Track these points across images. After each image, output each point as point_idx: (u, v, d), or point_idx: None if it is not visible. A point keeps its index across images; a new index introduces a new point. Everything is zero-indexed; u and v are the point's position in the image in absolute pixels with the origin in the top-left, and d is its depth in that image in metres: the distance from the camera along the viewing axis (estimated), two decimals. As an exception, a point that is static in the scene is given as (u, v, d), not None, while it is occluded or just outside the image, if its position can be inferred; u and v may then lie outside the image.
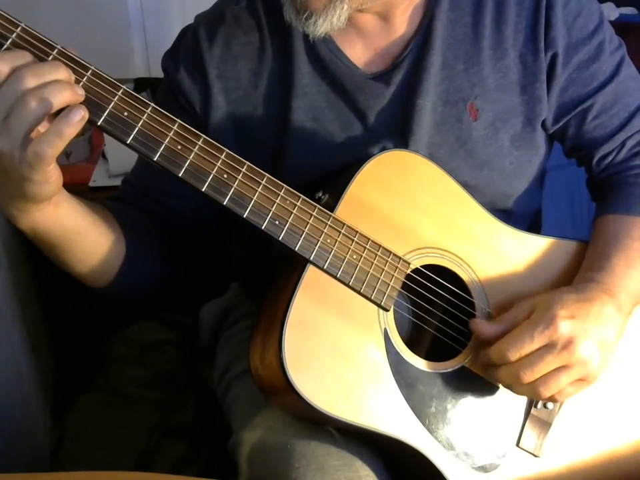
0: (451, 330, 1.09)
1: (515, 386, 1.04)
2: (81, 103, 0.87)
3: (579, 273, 1.13)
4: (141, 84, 2.04)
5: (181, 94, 1.15)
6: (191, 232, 1.20)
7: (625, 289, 1.08)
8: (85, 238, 1.03)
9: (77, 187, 1.77)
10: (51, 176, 0.88)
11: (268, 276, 1.09)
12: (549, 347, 1.00)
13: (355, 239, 1.02)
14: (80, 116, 0.84)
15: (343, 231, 1.01)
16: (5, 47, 0.84)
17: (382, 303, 1.03)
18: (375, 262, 1.03)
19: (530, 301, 1.06)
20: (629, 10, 2.64)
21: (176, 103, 1.16)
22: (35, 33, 0.85)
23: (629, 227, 1.15)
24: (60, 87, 0.84)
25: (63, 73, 0.85)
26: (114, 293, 1.13)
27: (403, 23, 1.13)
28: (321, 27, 1.01)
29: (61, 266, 1.07)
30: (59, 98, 0.83)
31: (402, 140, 1.12)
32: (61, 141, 0.84)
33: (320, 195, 1.04)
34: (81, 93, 0.86)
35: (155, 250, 1.16)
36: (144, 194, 1.17)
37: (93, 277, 1.10)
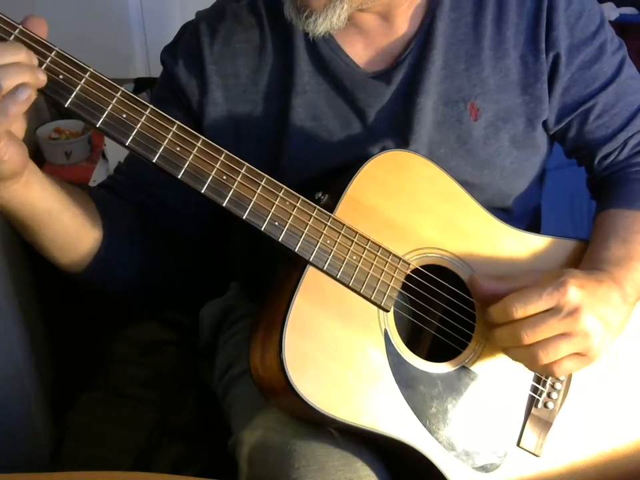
0: (451, 330, 1.09)
1: (513, 349, 1.03)
2: (79, 102, 0.87)
3: (581, 264, 1.13)
4: (141, 84, 2.04)
5: (178, 87, 1.16)
6: (180, 226, 1.20)
7: (631, 280, 1.07)
8: (57, 220, 1.00)
9: (77, 187, 1.77)
10: (4, 154, 0.84)
11: (267, 276, 1.09)
12: (554, 311, 0.99)
13: (355, 240, 1.02)
14: (27, 94, 0.82)
15: (342, 232, 1.01)
16: None
17: (382, 304, 1.02)
18: (375, 263, 1.02)
19: (537, 272, 1.06)
20: (628, 10, 2.65)
21: (171, 95, 1.17)
22: (32, 34, 0.85)
23: (631, 221, 1.15)
24: (19, 70, 0.82)
25: (22, 55, 0.83)
26: (91, 280, 1.11)
27: (404, 22, 1.13)
28: (321, 26, 1.01)
29: (37, 249, 1.05)
30: (15, 80, 0.81)
31: (402, 139, 1.13)
32: (5, 119, 0.82)
33: (319, 195, 1.04)
34: (42, 78, 0.84)
35: (137, 240, 1.14)
36: (133, 183, 1.17)
37: (67, 262, 1.07)
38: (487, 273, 1.10)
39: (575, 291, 0.99)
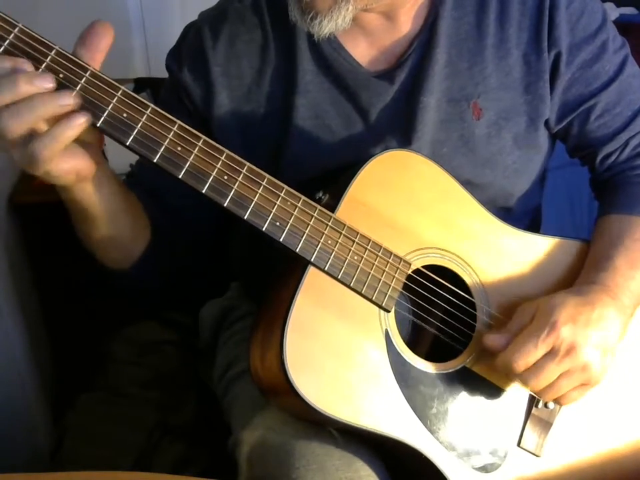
0: (452, 330, 1.09)
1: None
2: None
3: (581, 272, 1.13)
4: (141, 84, 2.04)
5: (184, 92, 1.16)
6: (192, 231, 1.20)
7: (627, 290, 1.08)
8: (120, 219, 1.04)
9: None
10: (59, 170, 0.87)
11: (268, 277, 1.09)
12: (552, 354, 1.00)
13: (356, 240, 1.01)
14: (81, 120, 0.84)
15: (343, 232, 1.01)
16: (3, 47, 0.83)
17: (383, 304, 1.02)
18: (376, 263, 1.02)
19: (532, 304, 1.06)
20: (629, 10, 2.65)
21: (178, 101, 1.17)
22: (32, 33, 0.85)
23: (632, 227, 1.15)
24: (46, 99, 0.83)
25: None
26: (132, 277, 1.14)
27: (407, 21, 1.13)
28: (326, 27, 1.02)
29: (88, 244, 1.08)
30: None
31: (405, 137, 1.13)
32: (56, 144, 0.84)
33: (320, 195, 1.04)
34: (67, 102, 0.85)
35: (170, 246, 1.17)
36: (146, 190, 1.17)
37: (116, 257, 1.12)
38: (487, 272, 1.10)
39: (567, 329, 1.00)
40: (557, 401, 1.05)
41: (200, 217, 1.18)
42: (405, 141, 1.12)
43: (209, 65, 1.13)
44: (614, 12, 2.56)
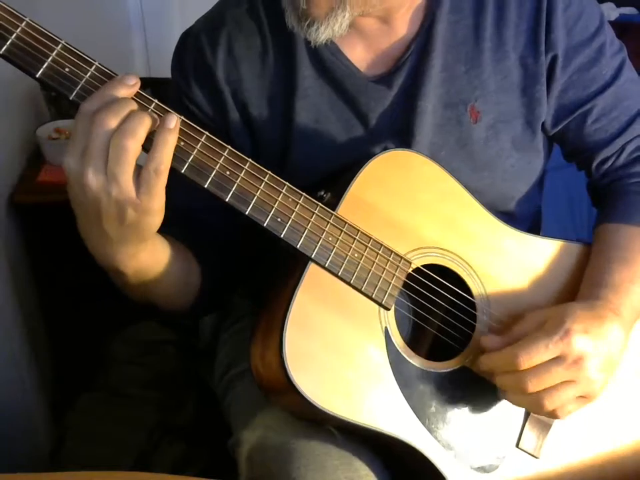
0: (451, 330, 1.09)
1: (516, 395, 1.02)
2: (85, 95, 0.87)
3: (582, 285, 1.12)
4: (141, 84, 2.04)
5: (198, 109, 1.15)
6: (225, 242, 1.20)
7: (629, 306, 1.07)
8: (169, 273, 1.04)
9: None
10: (159, 202, 0.89)
11: (268, 276, 1.09)
12: (559, 360, 0.98)
13: (357, 238, 1.02)
14: (175, 119, 0.87)
15: (344, 230, 1.01)
16: (10, 41, 0.84)
17: (383, 302, 1.02)
18: (377, 261, 1.03)
19: (539, 313, 1.05)
20: (628, 10, 2.65)
21: (193, 117, 1.15)
22: (39, 27, 0.85)
23: (632, 238, 1.14)
24: (138, 117, 0.86)
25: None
26: (199, 313, 1.19)
27: (403, 24, 1.13)
28: (323, 34, 1.02)
29: (148, 302, 1.10)
30: (142, 128, 0.85)
31: (403, 142, 1.13)
32: (169, 149, 0.86)
33: (322, 193, 1.04)
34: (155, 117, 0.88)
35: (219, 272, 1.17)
36: (183, 215, 1.14)
37: (176, 305, 1.14)
38: (488, 272, 1.10)
39: (579, 339, 0.98)
40: (554, 414, 1.02)
41: (231, 230, 1.18)
42: (404, 145, 1.12)
43: (214, 74, 1.13)
44: (614, 12, 2.56)
